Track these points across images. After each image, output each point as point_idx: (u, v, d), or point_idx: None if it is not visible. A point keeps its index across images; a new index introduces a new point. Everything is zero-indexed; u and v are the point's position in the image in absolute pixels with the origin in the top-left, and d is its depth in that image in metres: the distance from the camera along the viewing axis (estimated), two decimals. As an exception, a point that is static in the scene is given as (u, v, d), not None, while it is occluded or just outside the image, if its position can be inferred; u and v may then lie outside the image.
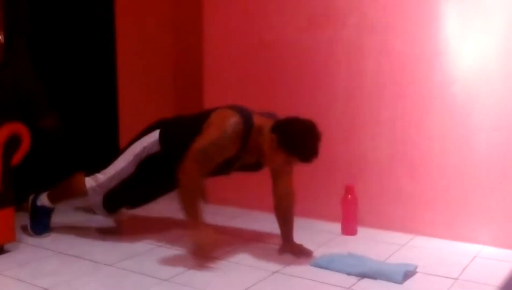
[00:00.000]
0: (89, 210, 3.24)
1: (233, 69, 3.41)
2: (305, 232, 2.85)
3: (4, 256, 2.57)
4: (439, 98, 2.79)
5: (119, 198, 2.84)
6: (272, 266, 2.44)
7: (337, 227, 2.95)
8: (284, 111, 3.19)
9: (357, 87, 3.00)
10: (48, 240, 2.79)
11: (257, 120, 2.45)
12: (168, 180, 2.59)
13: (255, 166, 2.61)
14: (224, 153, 2.43)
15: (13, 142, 2.58)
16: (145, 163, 2.66)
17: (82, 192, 2.77)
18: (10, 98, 3.08)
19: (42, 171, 3.30)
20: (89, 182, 2.75)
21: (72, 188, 2.81)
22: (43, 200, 2.87)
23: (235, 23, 3.38)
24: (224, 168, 2.55)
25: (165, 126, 2.65)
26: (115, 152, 2.81)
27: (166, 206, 3.40)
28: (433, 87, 2.80)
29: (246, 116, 2.43)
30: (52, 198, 2.87)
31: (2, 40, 3.16)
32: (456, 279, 2.31)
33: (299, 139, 2.33)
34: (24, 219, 2.95)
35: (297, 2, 3.14)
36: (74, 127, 3.54)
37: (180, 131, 2.60)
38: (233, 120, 2.39)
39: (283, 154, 2.35)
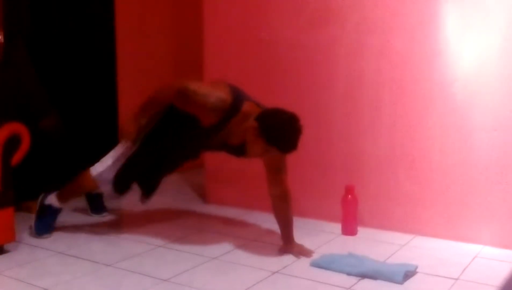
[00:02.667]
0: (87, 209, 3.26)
1: (233, 69, 3.40)
2: (305, 232, 2.85)
3: (4, 256, 2.56)
4: (439, 98, 2.78)
5: (129, 175, 2.80)
6: (272, 267, 2.44)
7: (337, 227, 2.95)
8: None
9: (357, 87, 3.00)
10: (48, 240, 2.79)
11: (247, 106, 2.49)
12: (172, 149, 2.72)
13: (238, 150, 2.62)
14: (198, 109, 2.49)
15: (13, 142, 2.58)
16: (148, 137, 2.71)
17: (92, 184, 2.82)
18: (10, 98, 3.07)
19: (42, 171, 3.29)
20: (95, 169, 2.78)
21: (81, 183, 2.84)
22: (51, 199, 2.87)
23: (235, 23, 3.37)
24: (203, 136, 2.60)
25: None
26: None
27: (165, 207, 3.40)
28: (433, 87, 2.79)
29: (236, 99, 2.48)
30: (61, 197, 2.87)
31: (2, 40, 3.16)
32: (457, 279, 2.31)
33: (279, 130, 2.36)
34: (24, 219, 2.95)
35: (297, 2, 3.13)
36: (74, 127, 3.53)
37: None
38: (222, 96, 2.46)
39: (263, 142, 2.38)
